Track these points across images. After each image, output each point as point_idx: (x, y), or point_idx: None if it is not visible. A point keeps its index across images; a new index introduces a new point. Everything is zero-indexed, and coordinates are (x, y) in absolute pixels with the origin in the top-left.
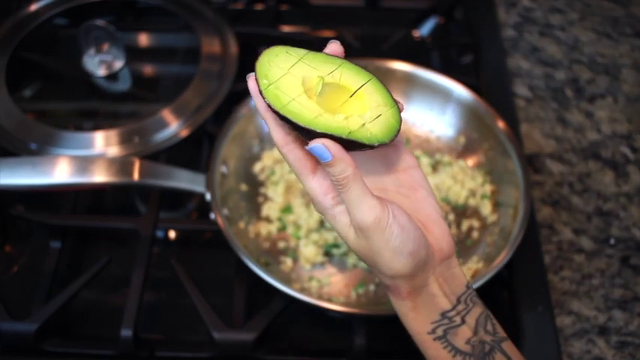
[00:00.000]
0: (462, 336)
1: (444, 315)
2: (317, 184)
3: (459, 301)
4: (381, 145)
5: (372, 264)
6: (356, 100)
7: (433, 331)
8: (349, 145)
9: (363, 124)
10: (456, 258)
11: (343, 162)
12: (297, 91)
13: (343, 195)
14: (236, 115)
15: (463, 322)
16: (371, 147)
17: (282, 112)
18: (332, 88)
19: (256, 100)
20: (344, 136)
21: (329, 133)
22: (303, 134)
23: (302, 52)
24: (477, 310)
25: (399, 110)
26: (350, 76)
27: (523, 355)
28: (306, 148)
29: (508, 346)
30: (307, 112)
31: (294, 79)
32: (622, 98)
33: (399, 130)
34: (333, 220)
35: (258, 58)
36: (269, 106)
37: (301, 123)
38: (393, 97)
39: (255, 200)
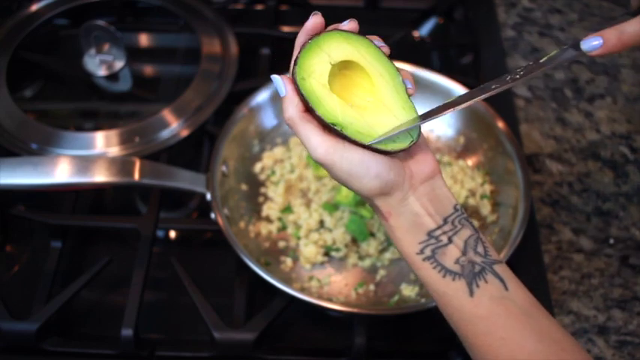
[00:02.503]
0: (451, 256)
1: (430, 235)
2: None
3: (445, 221)
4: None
5: (350, 188)
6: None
7: (422, 252)
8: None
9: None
10: (442, 180)
11: (291, 103)
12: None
13: (296, 134)
14: (236, 115)
15: (450, 241)
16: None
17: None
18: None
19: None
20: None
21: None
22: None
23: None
24: (467, 231)
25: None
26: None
27: (520, 280)
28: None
29: (501, 269)
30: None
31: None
32: (621, 98)
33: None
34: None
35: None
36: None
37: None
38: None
39: (255, 200)
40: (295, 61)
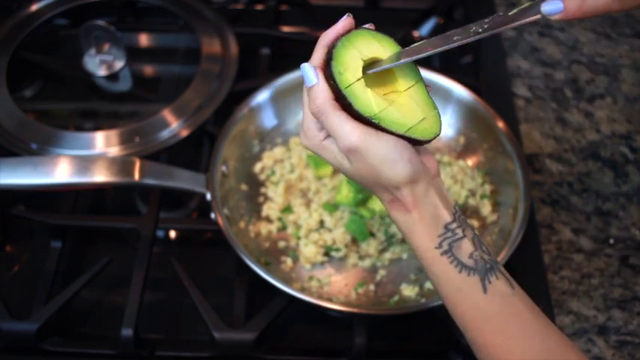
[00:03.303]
0: (465, 250)
1: (447, 228)
2: (313, 120)
3: (454, 216)
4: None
5: (375, 182)
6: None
7: (440, 245)
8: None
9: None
10: (442, 181)
11: (323, 91)
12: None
13: (324, 124)
14: (236, 115)
15: (464, 235)
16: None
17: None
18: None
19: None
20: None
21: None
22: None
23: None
24: (470, 230)
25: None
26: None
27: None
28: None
29: (502, 268)
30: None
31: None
32: (621, 98)
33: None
34: (325, 152)
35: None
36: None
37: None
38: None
39: (255, 200)
40: (330, 56)
